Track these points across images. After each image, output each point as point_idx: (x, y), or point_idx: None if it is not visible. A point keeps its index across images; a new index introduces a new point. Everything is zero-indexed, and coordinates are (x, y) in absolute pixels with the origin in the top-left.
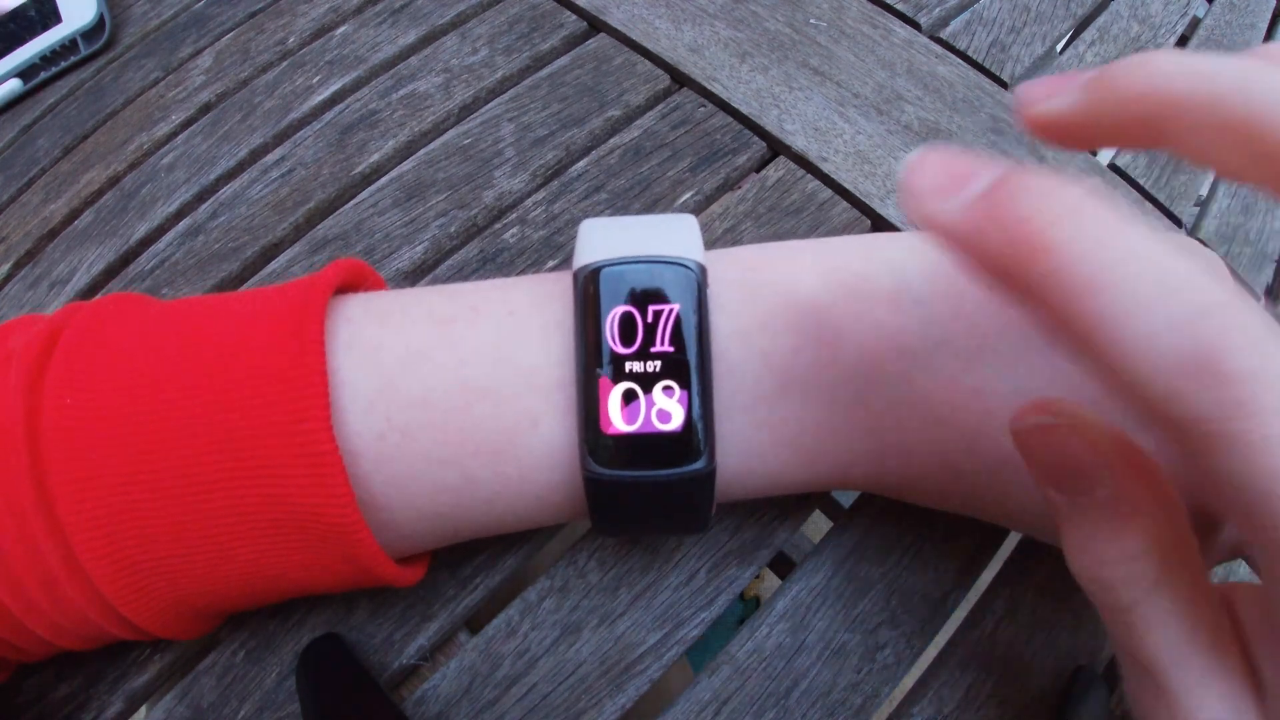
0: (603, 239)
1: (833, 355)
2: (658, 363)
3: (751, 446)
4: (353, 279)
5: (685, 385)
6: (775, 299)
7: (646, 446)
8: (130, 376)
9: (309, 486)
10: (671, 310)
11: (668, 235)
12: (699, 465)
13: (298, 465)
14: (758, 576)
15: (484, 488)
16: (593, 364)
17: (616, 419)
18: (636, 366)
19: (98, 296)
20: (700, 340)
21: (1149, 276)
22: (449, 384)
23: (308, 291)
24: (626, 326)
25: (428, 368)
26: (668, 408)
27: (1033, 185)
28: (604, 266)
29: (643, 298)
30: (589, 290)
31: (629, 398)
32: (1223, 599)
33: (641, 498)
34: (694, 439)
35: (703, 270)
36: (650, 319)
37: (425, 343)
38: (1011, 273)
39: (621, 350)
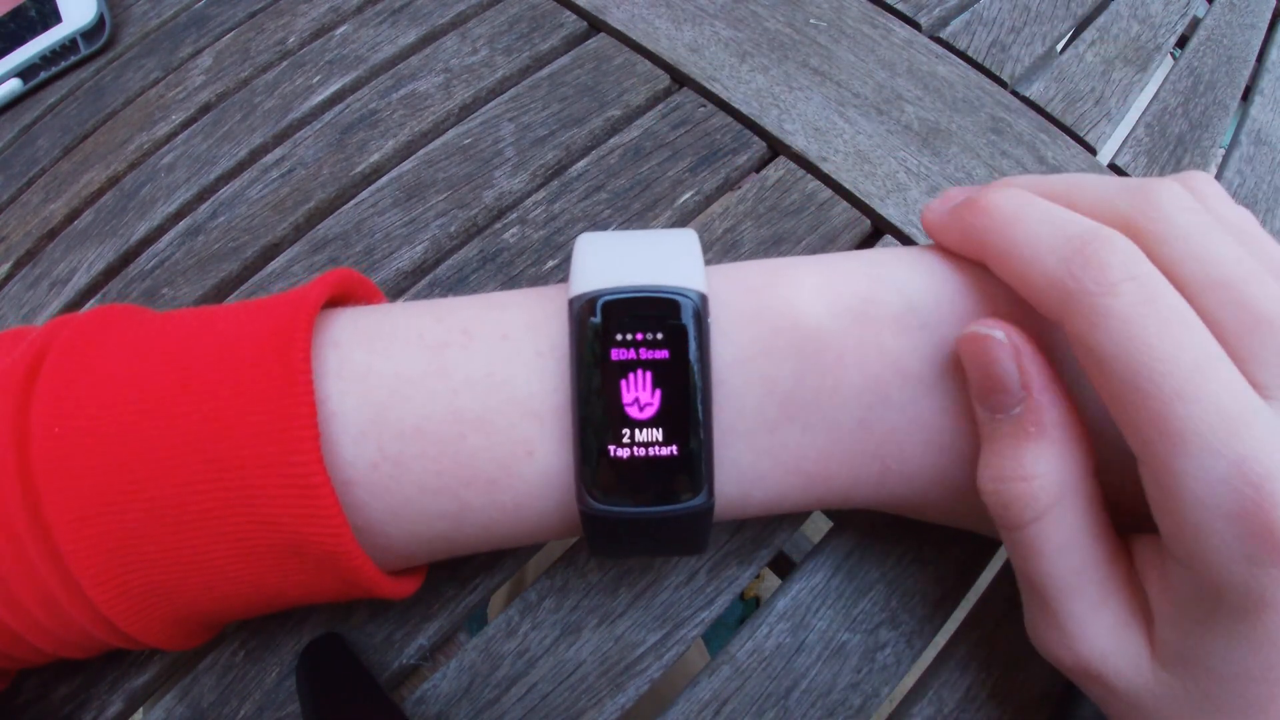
0: (600, 262)
1: (836, 381)
2: (657, 394)
3: (751, 473)
4: (344, 290)
5: (685, 418)
6: (778, 323)
7: (645, 480)
8: (118, 403)
9: (302, 517)
10: (672, 342)
11: (668, 259)
12: (698, 501)
13: (290, 496)
14: (758, 576)
15: (480, 515)
16: (589, 396)
17: (615, 453)
18: (636, 399)
19: (97, 297)
20: (701, 372)
21: (1042, 213)
22: (442, 414)
23: (294, 311)
24: (625, 359)
25: (420, 397)
26: (667, 441)
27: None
28: (601, 296)
29: (642, 329)
30: (585, 320)
31: (628, 431)
32: (1124, 541)
33: (639, 532)
34: (693, 473)
35: (703, 299)
36: (649, 351)
37: (416, 370)
38: (967, 236)
39: (620, 384)
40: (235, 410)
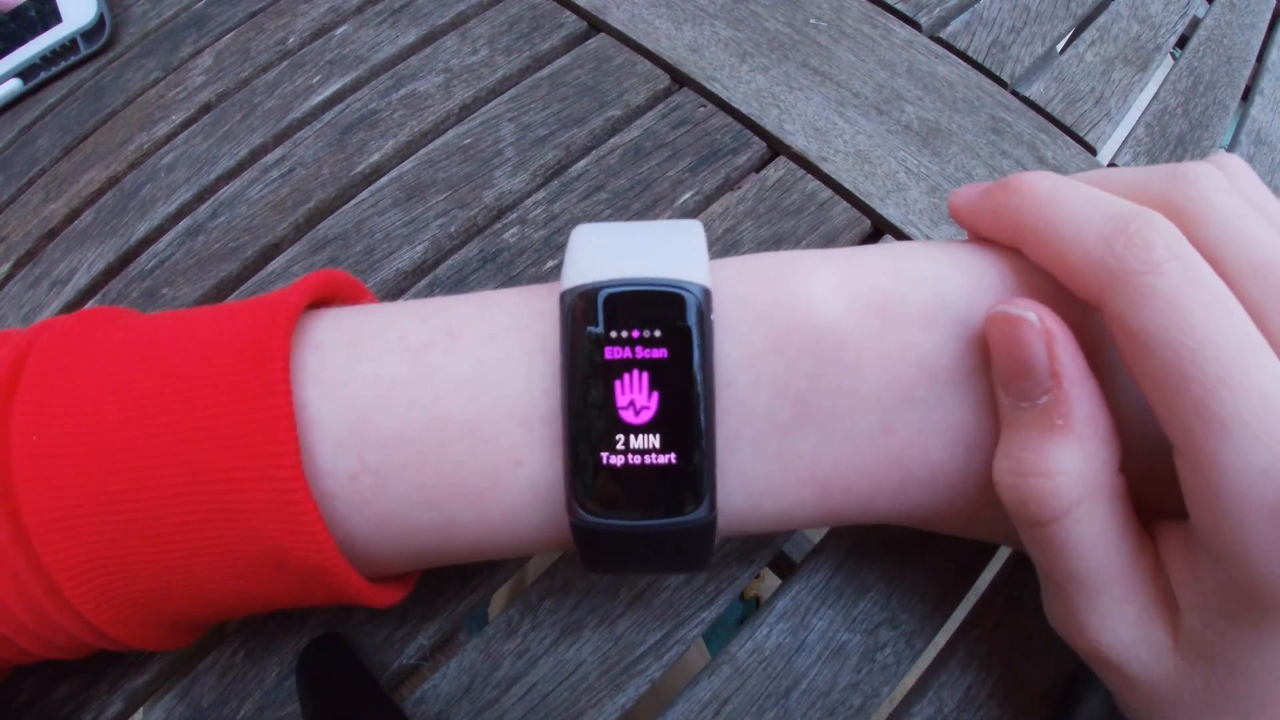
0: (596, 253)
1: (855, 382)
2: (655, 397)
3: (760, 483)
4: (329, 292)
5: (685, 424)
6: (791, 319)
7: (640, 491)
8: (97, 411)
9: (285, 532)
10: (671, 339)
11: (669, 251)
12: (698, 514)
13: (271, 511)
14: (758, 576)
15: (467, 529)
16: (580, 399)
17: (609, 461)
18: (631, 401)
19: (97, 297)
20: (703, 372)
21: (1081, 193)
22: (424, 420)
23: (272, 316)
24: (620, 358)
25: (401, 402)
26: (665, 448)
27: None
28: (596, 290)
29: (639, 325)
30: (577, 316)
31: (622, 437)
32: (1149, 533)
33: (634, 546)
34: (693, 484)
35: (707, 294)
36: (647, 350)
37: (398, 374)
38: (1000, 217)
39: (614, 385)
40: (213, 421)
